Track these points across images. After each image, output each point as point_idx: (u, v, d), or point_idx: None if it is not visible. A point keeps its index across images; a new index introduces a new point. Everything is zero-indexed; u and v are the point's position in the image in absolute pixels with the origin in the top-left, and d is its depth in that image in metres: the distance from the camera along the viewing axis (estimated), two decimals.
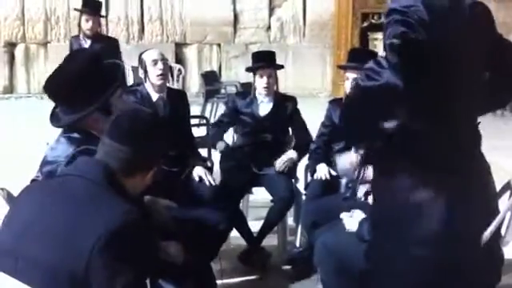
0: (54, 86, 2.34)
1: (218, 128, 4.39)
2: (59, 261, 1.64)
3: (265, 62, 4.21)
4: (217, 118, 4.62)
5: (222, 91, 9.46)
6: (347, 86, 3.82)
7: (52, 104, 2.47)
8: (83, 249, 1.61)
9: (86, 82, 2.28)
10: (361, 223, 2.63)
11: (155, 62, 3.81)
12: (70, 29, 11.25)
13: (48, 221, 1.72)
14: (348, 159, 3.22)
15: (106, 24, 11.06)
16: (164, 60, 3.87)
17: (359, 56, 3.91)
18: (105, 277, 1.61)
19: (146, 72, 3.84)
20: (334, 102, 4.13)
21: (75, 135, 2.33)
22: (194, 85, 11.36)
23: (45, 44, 11.35)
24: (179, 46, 11.58)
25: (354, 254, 2.60)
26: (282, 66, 4.33)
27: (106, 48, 5.56)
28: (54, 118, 2.41)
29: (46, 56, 11.22)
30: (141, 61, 3.88)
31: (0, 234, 1.84)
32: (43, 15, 11.21)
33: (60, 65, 2.39)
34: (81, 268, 1.61)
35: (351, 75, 3.77)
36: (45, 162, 2.36)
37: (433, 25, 1.89)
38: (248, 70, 4.30)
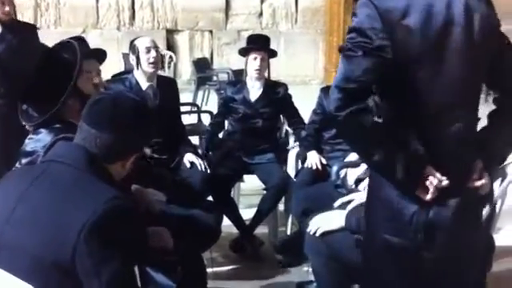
0: (17, 86, 2.32)
1: (213, 134, 4.34)
2: (44, 248, 1.61)
3: (258, 43, 4.17)
4: (213, 116, 4.54)
5: (214, 78, 9.42)
6: None
7: None
8: (68, 236, 1.58)
9: (47, 74, 2.25)
10: (349, 214, 2.61)
11: (148, 50, 3.78)
12: (59, 15, 11.16)
13: (30, 208, 1.69)
14: (356, 174, 3.18)
15: (97, 11, 10.99)
16: (156, 47, 3.85)
17: None
18: (91, 264, 1.58)
19: (138, 59, 3.80)
20: (326, 90, 4.10)
21: (55, 125, 2.28)
22: (185, 72, 11.29)
23: None
24: (170, 33, 11.49)
25: (345, 242, 2.59)
26: (275, 53, 4.26)
27: (24, 36, 4.26)
28: (26, 117, 2.36)
29: None
30: (133, 47, 3.83)
31: None
32: (33, 1, 11.10)
33: (14, 64, 2.36)
34: (67, 255, 1.58)
35: None
36: (23, 153, 2.32)
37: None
38: (241, 50, 4.24)
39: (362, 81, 1.87)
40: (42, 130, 2.32)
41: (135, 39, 3.93)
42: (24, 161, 2.28)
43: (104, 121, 1.80)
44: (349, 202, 2.80)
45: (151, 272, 2.33)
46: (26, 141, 2.34)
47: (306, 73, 11.42)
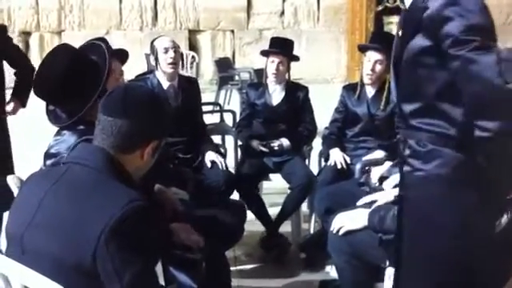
0: (45, 87, 2.29)
1: (245, 127, 4.26)
2: (65, 251, 1.62)
3: (278, 47, 4.15)
4: (238, 117, 4.48)
5: (236, 78, 9.42)
6: (366, 68, 3.79)
7: None
8: (89, 239, 1.59)
9: (77, 76, 2.24)
10: (372, 214, 2.60)
11: (166, 50, 3.78)
12: (83, 17, 11.27)
13: (51, 210, 1.70)
14: (379, 173, 3.17)
15: (120, 12, 11.08)
16: (175, 48, 3.83)
17: (381, 38, 3.89)
18: (112, 267, 1.59)
19: (157, 60, 3.81)
20: (349, 87, 4.09)
21: (80, 127, 2.28)
22: (207, 72, 11.33)
23: (59, 33, 11.37)
24: (192, 33, 11.54)
25: (368, 240, 2.58)
26: (297, 58, 4.21)
27: None
28: (54, 118, 2.36)
29: None
30: (152, 48, 3.85)
31: (7, 222, 1.83)
32: (57, 4, 11.22)
33: (43, 64, 2.33)
34: (87, 258, 1.59)
35: (373, 56, 3.74)
36: (48, 155, 2.32)
37: None
38: (262, 53, 4.23)
39: None
40: (66, 131, 2.32)
41: (155, 39, 3.93)
42: (48, 162, 2.29)
43: (117, 107, 1.80)
44: (372, 202, 2.79)
45: (174, 271, 2.34)
46: (51, 142, 2.35)
47: (329, 71, 11.38)
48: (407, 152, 2.03)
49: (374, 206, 2.71)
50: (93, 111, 2.26)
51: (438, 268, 2.00)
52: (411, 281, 2.11)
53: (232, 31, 11.63)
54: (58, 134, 2.38)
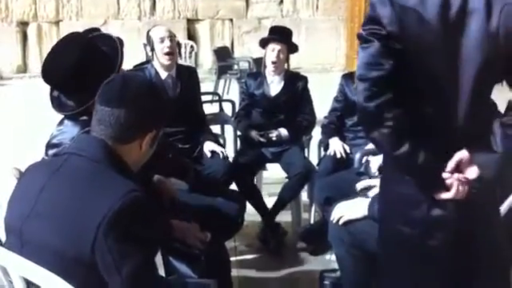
0: (56, 75, 2.26)
1: (244, 117, 4.22)
2: (65, 243, 1.62)
3: (278, 35, 4.11)
4: (238, 106, 4.44)
5: (235, 67, 9.41)
6: None
7: None
8: (87, 231, 1.58)
9: (89, 66, 2.21)
10: (371, 203, 2.59)
11: (162, 40, 3.73)
12: (81, 7, 11.23)
13: (50, 201, 1.69)
14: (379, 162, 3.15)
15: (118, 1, 11.03)
16: (171, 37, 3.78)
17: None
18: (111, 258, 1.58)
19: (153, 50, 3.78)
20: (348, 76, 4.06)
21: (83, 117, 2.25)
22: (206, 61, 11.32)
23: (57, 22, 11.34)
24: (191, 22, 11.52)
25: (368, 230, 2.57)
26: (296, 48, 4.16)
27: None
28: (59, 105, 2.33)
29: (59, 34, 11.20)
30: (148, 38, 3.82)
31: (6, 214, 1.82)
32: None
33: (54, 51, 2.30)
34: (87, 250, 1.59)
35: None
36: (50, 145, 2.30)
37: None
38: (261, 41, 4.17)
39: (382, 68, 1.85)
40: (69, 121, 2.30)
41: (151, 29, 3.89)
42: (51, 152, 2.28)
43: (114, 97, 1.79)
44: (370, 187, 2.78)
45: (174, 262, 2.34)
46: (54, 132, 2.33)
47: (328, 60, 11.38)
48: None
49: (371, 191, 2.70)
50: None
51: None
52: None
53: (231, 20, 11.60)
54: (60, 123, 2.36)
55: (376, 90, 1.86)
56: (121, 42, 2.88)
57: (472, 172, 1.92)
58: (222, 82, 9.22)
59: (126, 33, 9.49)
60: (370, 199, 2.64)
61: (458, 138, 1.93)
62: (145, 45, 3.98)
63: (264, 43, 4.11)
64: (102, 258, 1.59)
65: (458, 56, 1.87)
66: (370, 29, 1.89)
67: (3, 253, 1.71)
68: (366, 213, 2.60)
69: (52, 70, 2.28)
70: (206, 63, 11.28)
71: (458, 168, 1.93)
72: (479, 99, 1.95)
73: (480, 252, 2.04)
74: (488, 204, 2.07)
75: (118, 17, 11.37)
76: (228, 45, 11.26)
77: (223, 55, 9.68)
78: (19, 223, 1.72)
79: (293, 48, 4.15)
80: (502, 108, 2.03)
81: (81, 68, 2.22)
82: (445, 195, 1.93)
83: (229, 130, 4.83)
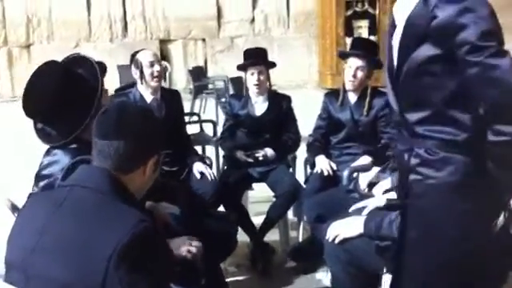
0: (35, 109, 2.22)
1: (228, 138, 4.22)
2: (73, 276, 1.59)
3: (255, 58, 4.11)
4: (222, 127, 4.39)
5: (210, 86, 9.43)
6: (348, 74, 3.80)
7: None
8: (97, 263, 1.56)
9: (70, 94, 2.18)
10: (367, 221, 2.60)
11: (151, 64, 3.79)
12: (52, 30, 11.15)
13: (56, 236, 1.65)
14: (368, 179, 3.17)
15: (89, 24, 10.98)
16: (159, 61, 3.87)
17: (361, 44, 3.93)
18: None
19: (142, 73, 3.80)
20: (331, 94, 4.10)
21: (72, 146, 2.22)
22: (180, 81, 11.31)
23: (28, 46, 11.23)
24: (164, 43, 11.52)
25: (364, 248, 2.59)
26: (273, 64, 4.19)
27: None
28: (44, 137, 2.28)
29: (30, 58, 11.11)
30: (135, 62, 3.83)
31: (7, 248, 1.78)
32: (25, 17, 11.08)
33: (31, 83, 2.24)
34: (97, 282, 1.56)
35: (354, 62, 3.77)
36: (40, 176, 2.25)
37: None
38: (239, 67, 4.18)
39: None
40: (58, 151, 2.25)
41: (137, 53, 3.91)
42: (42, 183, 2.22)
43: (111, 130, 1.77)
44: (363, 207, 2.80)
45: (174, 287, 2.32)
46: (43, 162, 2.27)
47: (302, 77, 11.45)
48: (415, 161, 2.03)
49: (364, 212, 2.72)
50: (86, 129, 2.21)
51: (442, 275, 2.02)
52: None
53: (203, 40, 11.62)
54: (48, 153, 2.30)
55: None
56: (104, 66, 2.84)
57: None
58: (197, 101, 9.22)
59: (99, 55, 9.39)
60: (364, 217, 2.65)
61: None
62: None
63: (242, 68, 4.14)
64: None
65: None
66: None
67: None
68: (361, 230, 2.62)
69: (30, 104, 2.23)
70: (179, 83, 11.26)
71: None
72: None
73: None
74: None
75: (89, 39, 11.31)
76: (201, 64, 11.28)
77: (198, 75, 9.70)
78: (23, 258, 1.68)
79: (271, 65, 4.18)
80: None
81: (59, 98, 2.18)
82: None
83: (210, 150, 4.82)
